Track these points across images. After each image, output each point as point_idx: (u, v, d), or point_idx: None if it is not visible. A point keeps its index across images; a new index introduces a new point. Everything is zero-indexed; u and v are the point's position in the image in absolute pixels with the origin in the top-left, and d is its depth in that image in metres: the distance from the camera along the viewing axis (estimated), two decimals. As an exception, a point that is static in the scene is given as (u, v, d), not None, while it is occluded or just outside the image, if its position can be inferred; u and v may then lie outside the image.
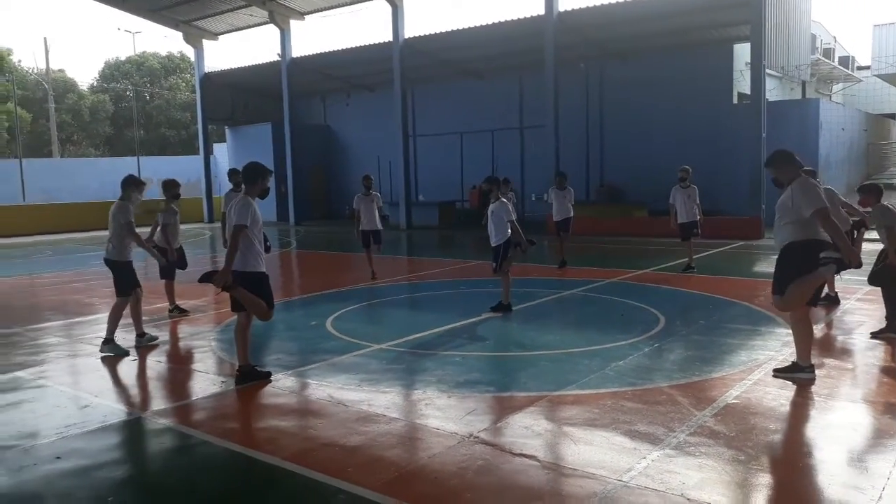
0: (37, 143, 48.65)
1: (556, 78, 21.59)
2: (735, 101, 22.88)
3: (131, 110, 54.35)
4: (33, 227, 27.42)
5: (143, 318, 8.12)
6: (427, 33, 24.96)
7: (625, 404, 5.54)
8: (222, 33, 31.14)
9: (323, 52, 28.11)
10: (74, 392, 6.25)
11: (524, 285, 10.94)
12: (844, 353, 7.15)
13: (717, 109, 22.41)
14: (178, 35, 31.29)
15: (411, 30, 25.06)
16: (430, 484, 4.18)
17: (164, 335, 8.55)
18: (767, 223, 18.89)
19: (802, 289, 5.89)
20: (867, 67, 36.17)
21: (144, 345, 7.74)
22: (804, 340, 6.06)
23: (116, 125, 54.23)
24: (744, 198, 19.67)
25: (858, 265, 5.79)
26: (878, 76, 28.22)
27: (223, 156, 35.11)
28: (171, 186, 9.31)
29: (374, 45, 26.10)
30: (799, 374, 6.03)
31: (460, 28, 23.98)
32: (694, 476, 4.22)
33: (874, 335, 7.37)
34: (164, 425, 5.31)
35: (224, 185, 34.38)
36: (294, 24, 28.05)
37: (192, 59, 57.25)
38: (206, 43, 31.51)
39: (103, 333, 8.46)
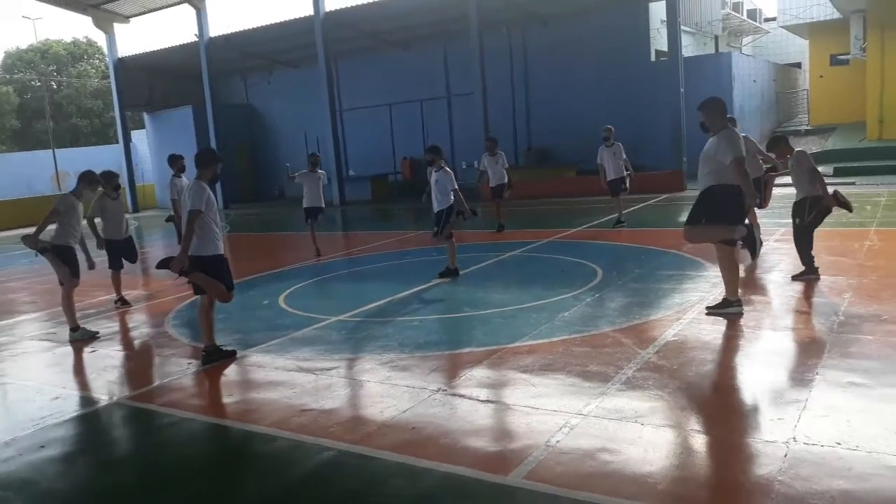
0: (-62, 140, 46.18)
1: (481, 44, 21.87)
2: (653, 58, 23.67)
3: (38, 101, 51.95)
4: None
5: (91, 311, 8.16)
6: (348, 5, 24.82)
7: (575, 349, 6.00)
8: (134, 15, 30.08)
9: (242, 30, 27.60)
10: (39, 386, 6.30)
11: (466, 250, 11.31)
12: (766, 289, 7.80)
13: (636, 67, 23.15)
14: (86, 20, 30.10)
15: (332, 2, 24.87)
16: (409, 433, 4.52)
17: (115, 326, 8.60)
18: (689, 175, 19.82)
19: (710, 232, 6.65)
20: (773, 19, 37.73)
21: (79, 338, 7.74)
22: (731, 278, 6.64)
23: (23, 117, 51.78)
24: (665, 152, 20.51)
25: (763, 206, 6.49)
26: (784, 27, 29.54)
27: (142, 143, 34.12)
28: (111, 178, 9.27)
29: (295, 19, 25.79)
30: (729, 308, 6.60)
31: (382, -1, 23.93)
32: (644, 405, 4.70)
33: (794, 278, 7.85)
34: (141, 408, 5.48)
35: (146, 173, 33.56)
36: (210, 3, 27.39)
37: (99, 43, 55.42)
38: (117, 27, 30.39)
39: (54, 328, 8.54)
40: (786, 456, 3.81)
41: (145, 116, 33.40)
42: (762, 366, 5.38)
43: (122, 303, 9.51)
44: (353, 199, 25.44)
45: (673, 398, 4.83)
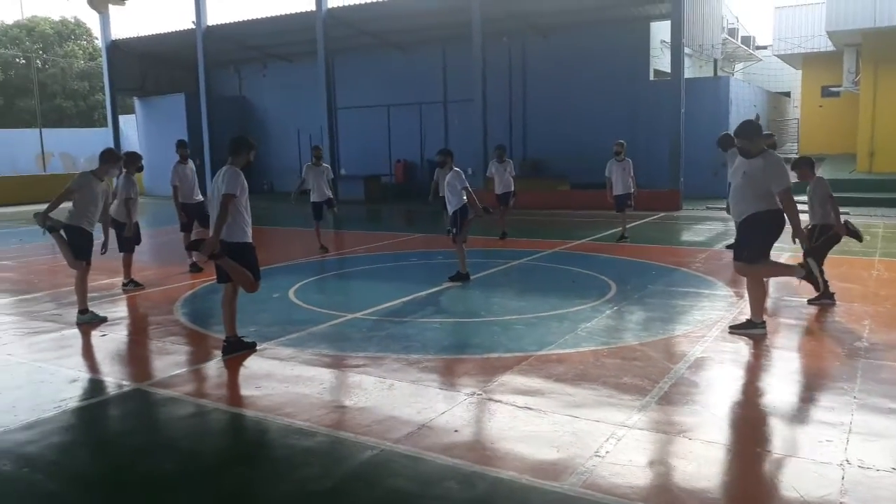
0: (-85, 113, 45.11)
1: (484, 52, 21.88)
2: (652, 77, 23.85)
3: (22, 79, 51.01)
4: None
5: (95, 294, 7.97)
6: (352, 3, 24.65)
7: (605, 361, 5.96)
8: (130, -1, 29.66)
9: (241, 20, 27.29)
10: (54, 368, 6.11)
11: (472, 256, 11.17)
12: (786, 312, 7.80)
13: (634, 85, 23.30)
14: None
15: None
16: (452, 436, 4.44)
17: (121, 311, 8.42)
18: (685, 195, 20.01)
19: (773, 270, 6.84)
20: (765, 47, 38.29)
21: (87, 321, 7.56)
22: (759, 299, 6.65)
23: (5, 94, 50.77)
24: (661, 171, 20.63)
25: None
26: (779, 56, 29.99)
27: (131, 128, 33.61)
28: (135, 159, 9.12)
29: (295, 14, 25.59)
30: (753, 329, 6.60)
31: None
32: (688, 420, 4.68)
33: (811, 302, 7.84)
34: (166, 395, 5.32)
35: (134, 158, 33.05)
36: (209, -9, 27.07)
37: (88, 24, 54.56)
38: (112, 8, 29.91)
39: (58, 310, 8.34)
40: (843, 478, 3.80)
41: (136, 101, 32.90)
42: (797, 386, 5.40)
43: (134, 285, 9.33)
44: (347, 198, 25.19)
45: (715, 414, 4.83)
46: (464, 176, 9.47)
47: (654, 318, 7.45)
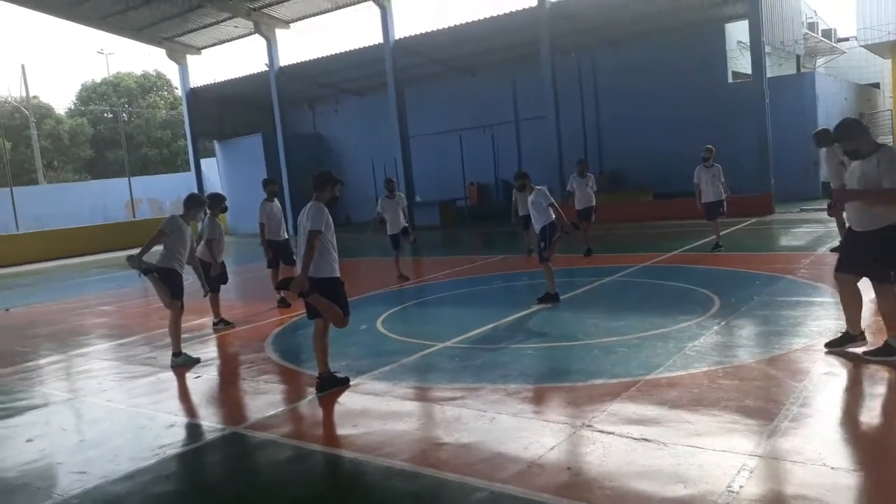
0: (17, 171, 47.93)
1: (553, 68, 21.58)
2: (730, 79, 22.99)
3: (111, 132, 53.78)
4: (30, 256, 26.92)
5: (186, 335, 8.02)
6: (417, 33, 24.88)
7: (722, 382, 5.50)
8: (205, 47, 30.88)
9: (311, 59, 27.97)
10: (151, 413, 6.10)
11: (559, 275, 10.74)
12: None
13: (713, 89, 22.51)
14: (157, 53, 31.03)
15: (400, 30, 24.96)
16: (566, 474, 4.10)
17: (213, 351, 8.46)
18: (776, 198, 19.06)
19: None
20: (847, 39, 36.52)
21: (181, 364, 7.58)
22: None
23: (96, 147, 53.60)
24: (747, 175, 19.71)
25: None
26: (864, 46, 28.45)
27: (212, 171, 34.77)
28: (219, 201, 9.28)
29: (364, 48, 25.99)
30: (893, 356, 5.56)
31: (452, 25, 23.91)
32: (824, 447, 4.19)
33: None
34: (262, 438, 5.18)
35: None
36: (280, 33, 27.85)
37: (168, 76, 57.12)
38: (189, 58, 31.20)
39: (153, 353, 8.44)
40: None
41: (216, 144, 34.07)
42: (948, 403, 4.81)
43: (224, 324, 9.42)
44: (422, 225, 25.24)
45: (854, 438, 4.33)
46: (548, 192, 9.18)
47: (768, 333, 6.92)
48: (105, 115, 54.59)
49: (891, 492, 3.69)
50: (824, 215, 16.96)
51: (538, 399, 5.47)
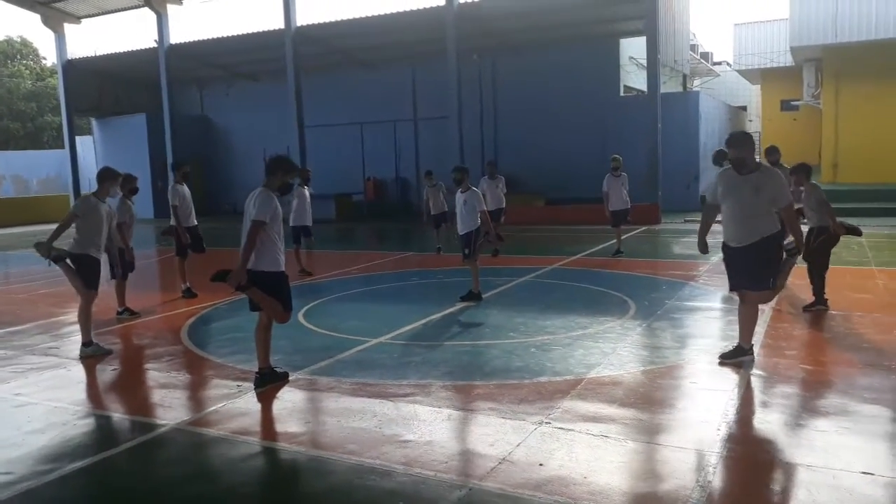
0: None
1: (459, 69, 21.78)
2: (622, 93, 24.09)
3: (-35, 100, 49.11)
4: None
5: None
6: (320, 21, 24.34)
7: (661, 382, 5.77)
8: (87, 16, 28.81)
9: (206, 38, 26.73)
10: (71, 407, 5.62)
11: (467, 274, 10.88)
12: (819, 322, 7.75)
13: (605, 101, 23.49)
14: (31, 18, 28.62)
15: (302, 17, 24.36)
16: (540, 470, 4.16)
17: (123, 342, 7.94)
18: (663, 209, 20.15)
19: (784, 276, 6.24)
20: (720, 63, 39.27)
21: (92, 354, 7.07)
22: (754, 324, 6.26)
23: (-53, 116, 48.81)
24: (635, 185, 20.57)
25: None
26: (738, 71, 30.71)
27: (88, 149, 32.51)
28: (129, 180, 8.57)
29: (264, 32, 25.16)
30: (744, 356, 6.12)
31: (357, 17, 23.57)
32: (777, 439, 4.49)
33: (805, 309, 7.98)
34: (212, 435, 4.91)
35: (91, 181, 31.96)
36: (171, 8, 26.44)
37: (35, 44, 52.88)
38: (67, 27, 29.01)
39: (54, 342, 7.84)
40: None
41: (93, 122, 31.88)
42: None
43: (129, 313, 8.83)
44: (317, 218, 24.60)
45: (819, 430, 4.67)
46: (482, 197, 9.27)
47: (690, 335, 7.34)
48: (-40, 81, 49.80)
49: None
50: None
51: (489, 396, 5.50)
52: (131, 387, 6.34)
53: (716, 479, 3.99)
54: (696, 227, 6.74)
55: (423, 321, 8.22)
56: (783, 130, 29.86)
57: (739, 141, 5.85)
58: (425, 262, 13.31)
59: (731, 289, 6.34)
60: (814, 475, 4.03)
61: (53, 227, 7.13)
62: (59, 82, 30.34)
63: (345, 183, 27.54)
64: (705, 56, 33.66)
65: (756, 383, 5.67)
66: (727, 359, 6.17)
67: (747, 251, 5.87)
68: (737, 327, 6.25)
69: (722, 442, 4.48)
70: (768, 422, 4.94)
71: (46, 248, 6.88)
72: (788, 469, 4.17)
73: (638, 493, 3.90)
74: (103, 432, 5.15)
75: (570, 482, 4.02)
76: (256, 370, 5.89)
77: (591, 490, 3.92)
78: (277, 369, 6.03)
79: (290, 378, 6.08)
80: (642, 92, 24.05)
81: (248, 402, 5.56)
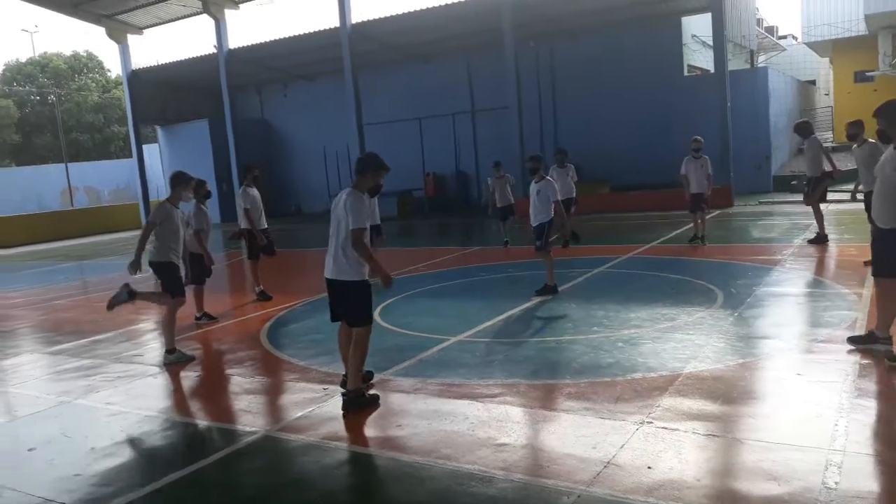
0: (-64, 155, 45.16)
1: (517, 58, 21.46)
2: (685, 72, 23.36)
3: (38, 115, 51.19)
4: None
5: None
6: (374, 17, 24.32)
7: (762, 374, 5.46)
8: (148, 27, 29.52)
9: (262, 41, 27.07)
10: (162, 416, 5.66)
11: (538, 267, 10.59)
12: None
13: (668, 82, 22.81)
14: (95, 32, 29.51)
15: (357, 14, 24.39)
16: (649, 473, 3.93)
17: (205, 347, 8.00)
18: (735, 191, 19.46)
19: None
20: (785, 37, 37.78)
21: (175, 361, 7.11)
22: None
23: (23, 132, 50.90)
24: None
25: None
26: (807, 44, 29.44)
27: (154, 158, 33.39)
28: (201, 186, 8.62)
29: (320, 31, 25.29)
30: (876, 344, 5.66)
31: (412, 10, 23.47)
32: (903, 439, 4.16)
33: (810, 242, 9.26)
34: (303, 442, 4.84)
35: (160, 188, 32.81)
36: (228, 14, 26.85)
37: (100, 57, 54.67)
38: (130, 38, 29.81)
39: (135, 350, 7.95)
40: None
41: (158, 130, 32.72)
42: None
43: (208, 318, 8.93)
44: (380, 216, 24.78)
45: (927, 431, 4.31)
46: (556, 187, 9.03)
47: (786, 323, 6.96)
48: (32, 97, 51.90)
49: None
50: (784, 208, 17.48)
51: (582, 395, 5.29)
52: (217, 393, 6.36)
53: (844, 481, 3.70)
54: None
55: (501, 317, 8.04)
56: (861, 104, 28.49)
57: (885, 111, 5.54)
58: (493, 257, 13.11)
59: (874, 273, 5.85)
60: (955, 476, 3.70)
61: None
62: (124, 93, 31.20)
63: (405, 179, 27.51)
64: (770, 30, 32.43)
65: (867, 373, 5.29)
66: (857, 344, 5.79)
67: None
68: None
69: (843, 439, 4.17)
70: (890, 416, 4.60)
71: (136, 265, 6.95)
72: (923, 469, 3.85)
73: (759, 497, 3.64)
74: (195, 441, 5.15)
75: (682, 486, 3.79)
76: (343, 390, 5.49)
77: (706, 494, 3.69)
78: (368, 393, 5.57)
79: (374, 380, 5.98)
80: (708, 71, 23.32)
81: (336, 406, 5.45)
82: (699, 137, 12.34)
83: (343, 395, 5.43)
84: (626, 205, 20.26)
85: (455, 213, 24.89)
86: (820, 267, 9.83)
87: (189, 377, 6.78)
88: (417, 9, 23.34)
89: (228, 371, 6.97)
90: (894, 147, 5.60)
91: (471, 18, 23.05)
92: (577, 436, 4.57)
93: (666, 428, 4.55)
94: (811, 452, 4.06)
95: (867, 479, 3.78)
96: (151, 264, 7.14)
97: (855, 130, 9.47)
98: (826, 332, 6.42)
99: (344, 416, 5.26)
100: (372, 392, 5.61)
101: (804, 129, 11.54)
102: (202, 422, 5.60)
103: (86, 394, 6.37)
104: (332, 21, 24.46)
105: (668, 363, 5.86)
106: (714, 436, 4.41)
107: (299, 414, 5.40)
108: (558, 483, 3.92)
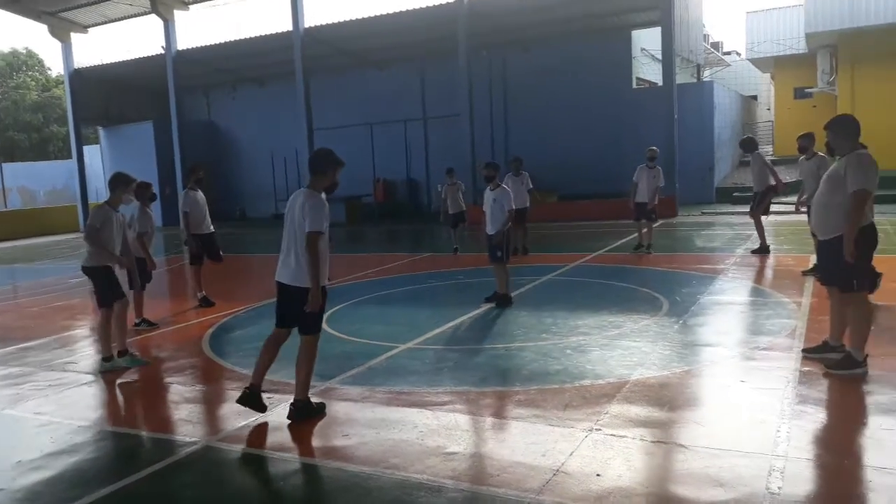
0: None
1: (469, 67, 21.54)
2: (635, 85, 23.79)
3: (-29, 113, 49.27)
4: None
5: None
6: (328, 22, 24.12)
7: (708, 381, 5.52)
8: (93, 25, 28.66)
9: (212, 43, 26.56)
10: (97, 426, 5.42)
11: (487, 274, 10.55)
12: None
13: (617, 94, 23.21)
14: (37, 29, 28.54)
15: (310, 18, 24.14)
16: (598, 481, 3.91)
17: (146, 353, 7.72)
18: (679, 201, 19.86)
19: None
20: (729, 53, 38.87)
21: (110, 369, 6.81)
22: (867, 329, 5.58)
23: (-47, 130, 48.93)
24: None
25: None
26: (751, 59, 30.31)
27: (95, 159, 32.38)
28: (145, 188, 8.33)
29: (272, 34, 24.96)
30: (856, 369, 5.43)
31: (366, 16, 23.35)
32: (843, 441, 4.24)
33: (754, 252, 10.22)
34: (244, 452, 4.69)
35: (100, 190, 31.82)
36: (178, 14, 26.28)
37: (41, 55, 52.95)
38: (74, 36, 28.91)
39: (68, 358, 7.66)
40: None
41: (101, 131, 31.78)
42: None
43: (147, 324, 8.63)
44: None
45: (853, 430, 4.40)
46: (512, 196, 9.04)
47: (729, 331, 7.09)
48: (-33, 94, 49.95)
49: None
50: (726, 218, 17.91)
51: (531, 402, 5.26)
52: (156, 403, 6.13)
53: (786, 485, 3.74)
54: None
55: (451, 324, 7.99)
56: (800, 119, 29.48)
57: (845, 124, 5.47)
58: (443, 263, 13.07)
59: (821, 281, 5.95)
60: (892, 479, 3.77)
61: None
62: (65, 92, 30.23)
63: (355, 185, 27.29)
64: (716, 46, 33.30)
65: (807, 379, 5.39)
66: (812, 354, 5.81)
67: (833, 244, 5.48)
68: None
69: (785, 444, 4.23)
70: (829, 421, 4.69)
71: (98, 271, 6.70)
72: (862, 473, 3.92)
73: (706, 502, 3.65)
74: (130, 453, 4.94)
75: (631, 493, 3.78)
76: (291, 400, 5.26)
77: (655, 501, 3.69)
78: (314, 402, 5.38)
79: (322, 387, 5.85)
80: (656, 84, 23.79)
81: (282, 416, 5.30)
82: (655, 147, 12.55)
83: (291, 404, 5.23)
84: (574, 214, 20.48)
85: (405, 219, 24.81)
86: (761, 276, 10.08)
87: (126, 386, 6.53)
88: (373, 15, 23.22)
89: (168, 379, 6.73)
90: (837, 160, 5.71)
91: (426, 27, 23.07)
92: (527, 443, 4.53)
93: (614, 435, 4.55)
94: (755, 458, 4.10)
95: (808, 484, 3.84)
96: (85, 269, 6.86)
97: (806, 143, 9.71)
98: (768, 340, 6.55)
99: (289, 425, 5.11)
100: (318, 401, 5.45)
101: (749, 145, 11.87)
102: (138, 432, 5.37)
103: (13, 403, 6.07)
104: (284, 25, 24.10)
105: (616, 370, 5.89)
106: (661, 442, 4.43)
107: (241, 423, 5.24)
108: (508, 492, 3.87)
